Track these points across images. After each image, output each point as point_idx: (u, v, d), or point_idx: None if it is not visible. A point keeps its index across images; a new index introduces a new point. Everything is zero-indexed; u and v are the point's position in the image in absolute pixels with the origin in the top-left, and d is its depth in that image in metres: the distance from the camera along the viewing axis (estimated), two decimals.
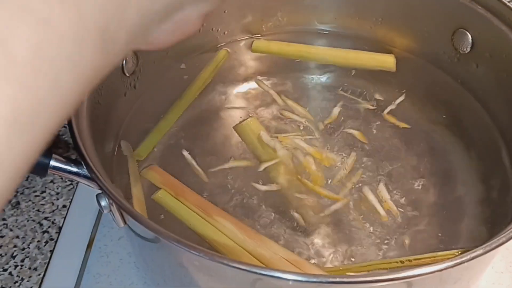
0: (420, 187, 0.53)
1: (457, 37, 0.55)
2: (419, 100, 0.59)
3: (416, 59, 0.60)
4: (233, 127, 0.57)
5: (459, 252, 0.41)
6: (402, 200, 0.51)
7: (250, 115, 0.59)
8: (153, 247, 0.42)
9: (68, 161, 0.40)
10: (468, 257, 0.33)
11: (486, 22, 0.51)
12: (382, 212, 0.50)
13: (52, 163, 0.39)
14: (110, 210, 0.41)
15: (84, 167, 0.39)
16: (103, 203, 0.40)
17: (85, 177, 0.40)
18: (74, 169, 0.40)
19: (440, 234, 0.49)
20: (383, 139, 0.57)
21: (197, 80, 0.61)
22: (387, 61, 0.60)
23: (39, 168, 0.38)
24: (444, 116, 0.58)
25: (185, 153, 0.54)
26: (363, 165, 0.54)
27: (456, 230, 0.49)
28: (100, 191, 0.40)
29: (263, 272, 0.33)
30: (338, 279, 0.34)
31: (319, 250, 0.48)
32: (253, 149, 0.55)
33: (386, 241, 0.49)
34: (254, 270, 0.33)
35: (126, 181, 0.52)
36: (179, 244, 0.33)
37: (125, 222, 0.42)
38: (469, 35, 0.54)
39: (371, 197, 0.51)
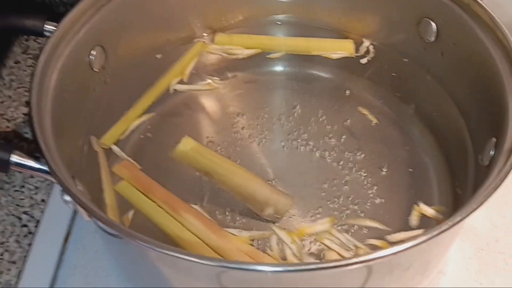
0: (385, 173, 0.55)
1: (422, 26, 0.55)
2: (387, 87, 0.60)
3: (383, 49, 0.61)
4: (171, 156, 0.53)
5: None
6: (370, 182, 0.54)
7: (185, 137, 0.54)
8: (117, 241, 0.43)
9: (30, 157, 0.41)
10: (416, 242, 0.34)
11: (449, 11, 0.51)
12: None
13: (13, 159, 0.40)
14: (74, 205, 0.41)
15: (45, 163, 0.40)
16: (66, 198, 0.41)
17: (47, 173, 0.41)
18: (36, 165, 0.41)
19: None
20: (349, 127, 0.59)
21: (170, 71, 0.61)
22: (347, 47, 0.61)
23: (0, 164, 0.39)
24: (411, 103, 0.59)
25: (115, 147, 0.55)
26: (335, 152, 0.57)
27: None
28: None
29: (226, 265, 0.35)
30: (301, 267, 0.35)
31: None
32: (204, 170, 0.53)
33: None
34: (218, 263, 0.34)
35: (98, 176, 0.53)
36: (131, 238, 0.34)
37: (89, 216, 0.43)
38: (434, 24, 0.54)
39: None
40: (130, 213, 0.51)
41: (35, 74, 0.44)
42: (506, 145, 0.40)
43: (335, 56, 0.62)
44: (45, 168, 0.41)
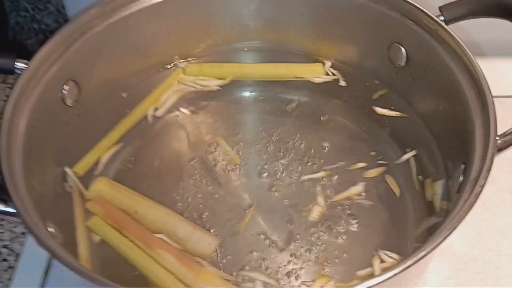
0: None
1: (393, 51, 0.56)
2: (362, 110, 0.60)
3: (357, 73, 0.61)
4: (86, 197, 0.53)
5: None
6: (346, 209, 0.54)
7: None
8: None
9: None
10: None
11: (418, 36, 0.51)
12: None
13: None
14: None
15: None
16: None
17: (15, 216, 0.40)
18: (4, 209, 0.40)
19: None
20: (325, 151, 0.59)
21: (145, 100, 0.61)
22: (316, 70, 0.61)
23: None
24: (386, 127, 0.59)
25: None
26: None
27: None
28: None
29: None
30: None
31: None
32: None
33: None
34: None
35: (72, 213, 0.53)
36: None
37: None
38: (403, 50, 0.54)
39: None
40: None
41: (4, 117, 0.44)
42: (473, 173, 0.40)
43: (317, 80, 0.62)
44: (13, 211, 0.40)
